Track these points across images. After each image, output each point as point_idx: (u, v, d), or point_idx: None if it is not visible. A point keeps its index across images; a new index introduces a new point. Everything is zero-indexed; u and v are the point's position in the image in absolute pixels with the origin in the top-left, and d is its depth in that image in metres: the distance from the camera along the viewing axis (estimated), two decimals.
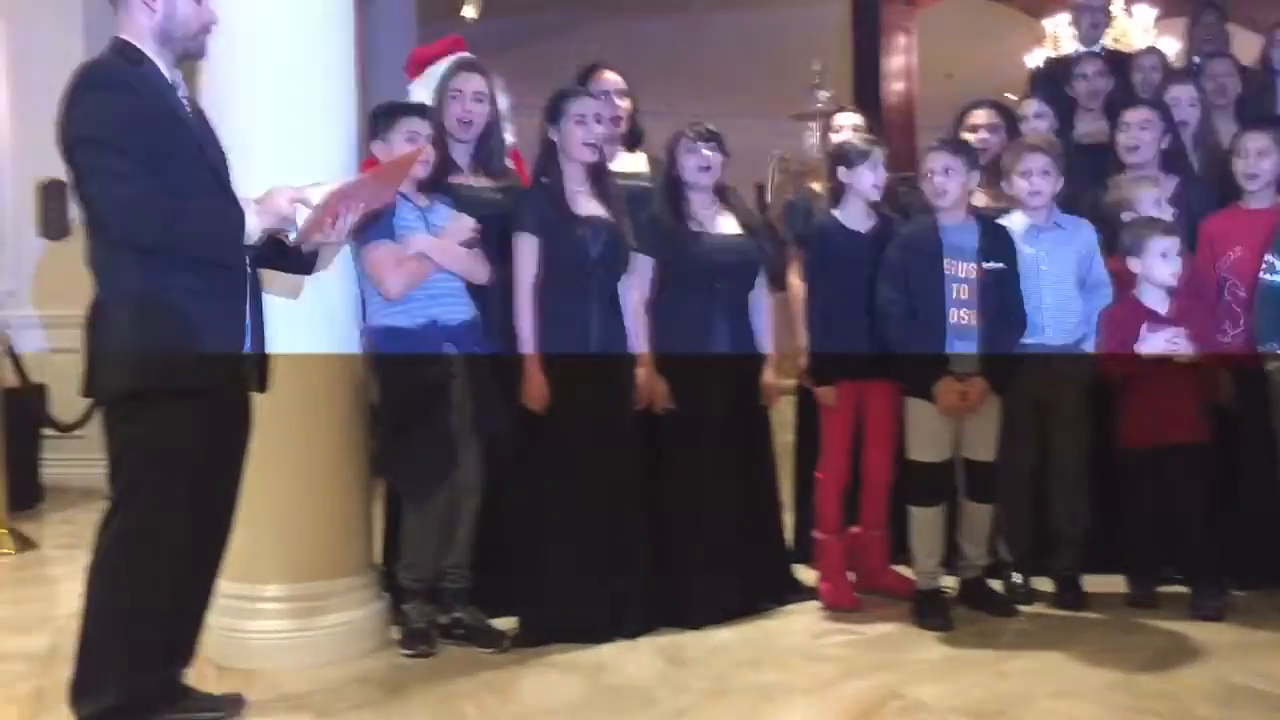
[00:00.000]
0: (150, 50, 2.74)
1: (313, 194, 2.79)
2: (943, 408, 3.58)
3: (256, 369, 2.90)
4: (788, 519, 4.13)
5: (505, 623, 3.59)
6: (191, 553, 2.82)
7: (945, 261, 3.58)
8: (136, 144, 2.60)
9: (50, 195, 6.68)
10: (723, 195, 3.86)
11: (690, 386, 3.68)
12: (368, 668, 3.38)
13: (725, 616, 3.66)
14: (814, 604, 3.85)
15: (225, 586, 3.27)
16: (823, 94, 8.49)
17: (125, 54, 2.72)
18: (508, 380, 3.54)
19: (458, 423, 3.41)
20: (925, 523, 3.68)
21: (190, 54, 2.84)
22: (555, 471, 3.55)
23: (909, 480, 3.73)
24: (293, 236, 2.82)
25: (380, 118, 3.54)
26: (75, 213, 6.51)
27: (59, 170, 6.96)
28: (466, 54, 3.91)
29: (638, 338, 3.70)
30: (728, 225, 3.82)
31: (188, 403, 2.70)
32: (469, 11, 9.34)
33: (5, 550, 5.12)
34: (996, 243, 3.65)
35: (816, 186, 4.46)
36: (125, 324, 2.66)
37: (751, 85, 11.02)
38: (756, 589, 3.79)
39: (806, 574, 4.01)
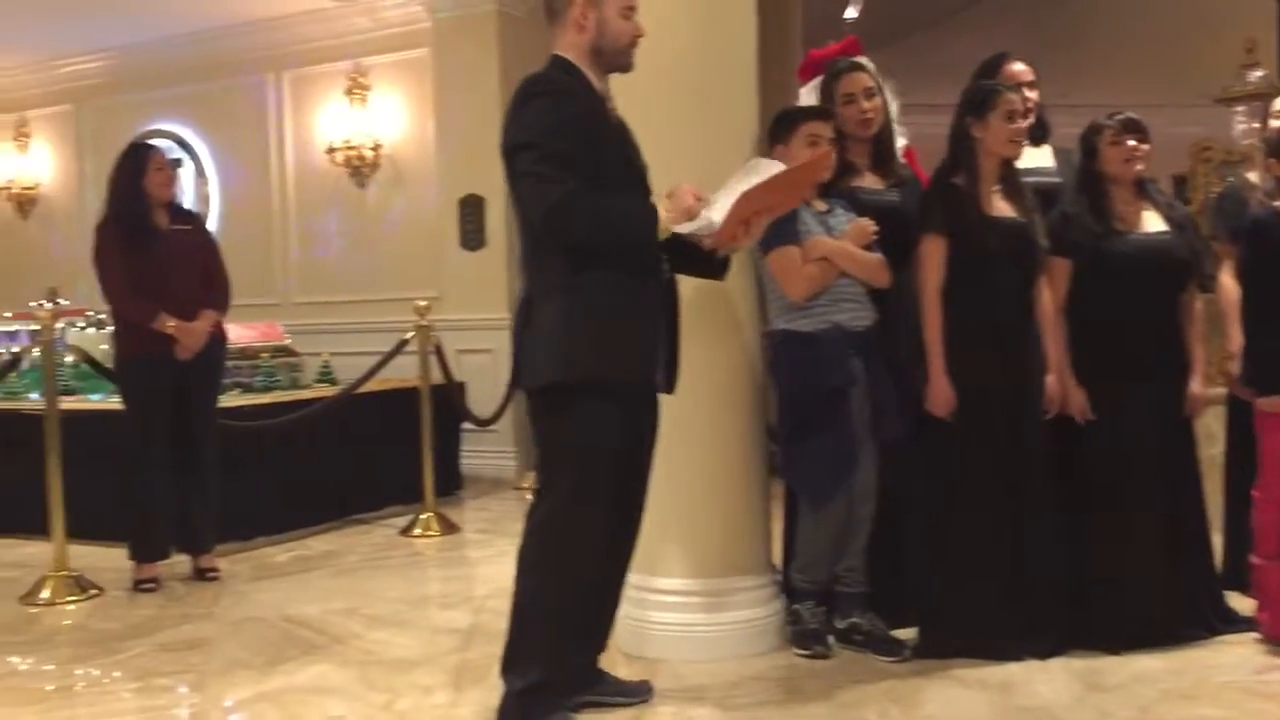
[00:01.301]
0: (583, 65, 2.90)
1: (719, 196, 2.85)
2: None
3: (667, 370, 2.99)
4: (1216, 541, 3.77)
5: (902, 632, 3.52)
6: (608, 541, 2.96)
7: None
8: (567, 149, 2.74)
9: (468, 209, 7.30)
10: (1143, 189, 3.58)
11: (1109, 395, 3.45)
12: (766, 666, 3.42)
13: (1148, 642, 3.40)
14: (1251, 635, 3.49)
15: (633, 578, 3.42)
16: (1255, 74, 7.70)
17: (562, 68, 2.90)
18: (907, 385, 3.46)
19: (857, 428, 3.38)
20: None
21: (618, 67, 2.96)
22: (960, 479, 3.43)
23: None
24: (707, 242, 2.89)
25: (781, 123, 3.57)
26: (491, 226, 7.15)
27: (477, 187, 7.64)
28: (854, 57, 3.87)
29: (1050, 342, 3.50)
30: (1152, 222, 3.54)
31: (608, 397, 2.82)
32: (851, 12, 9.28)
33: (432, 532, 5.64)
34: None
35: (1253, 176, 4.03)
36: (552, 319, 2.81)
37: (1161, 68, 10.18)
38: (1183, 615, 3.49)
39: (1240, 602, 3.64)
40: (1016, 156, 3.53)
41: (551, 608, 2.89)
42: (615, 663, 3.32)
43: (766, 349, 3.56)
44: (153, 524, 4.67)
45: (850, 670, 3.38)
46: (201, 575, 4.78)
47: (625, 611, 3.42)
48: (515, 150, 2.80)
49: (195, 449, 4.71)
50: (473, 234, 7.29)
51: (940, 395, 3.41)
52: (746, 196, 2.83)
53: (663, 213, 2.79)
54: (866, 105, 3.67)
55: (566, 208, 2.73)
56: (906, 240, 3.50)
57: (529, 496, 6.60)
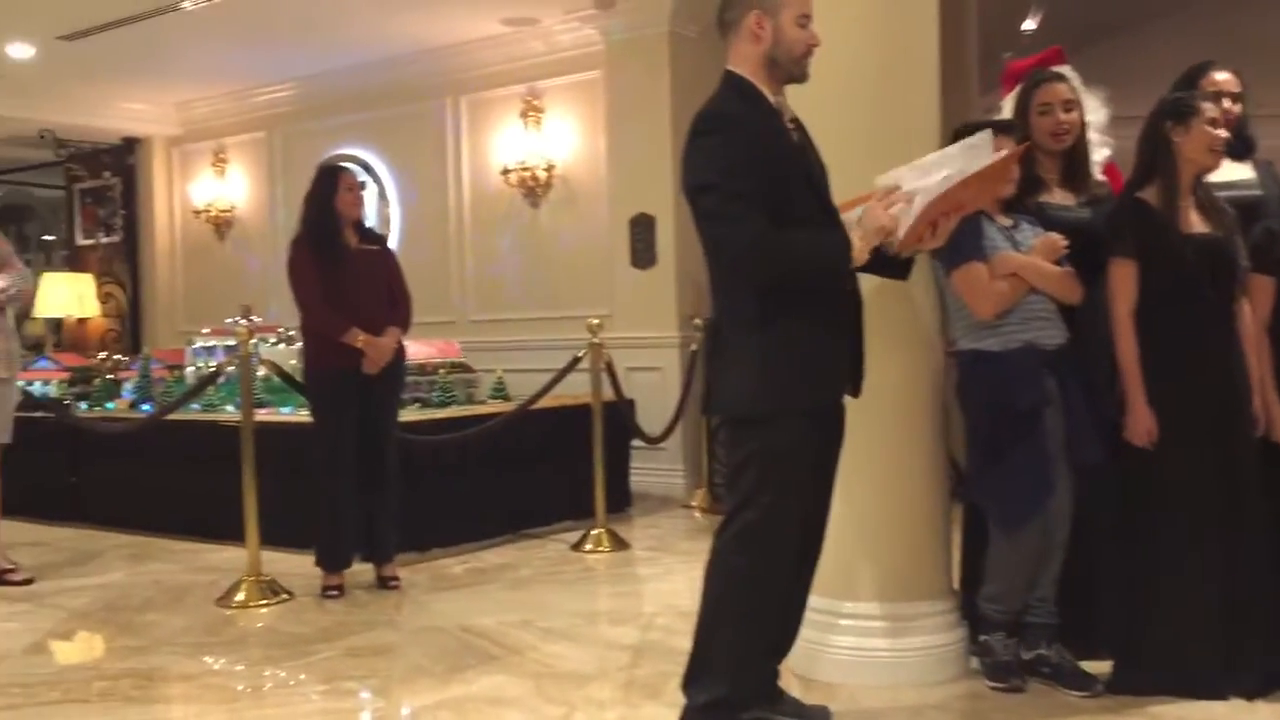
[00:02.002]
0: (758, 80, 2.88)
1: (908, 177, 2.80)
2: None
3: (853, 375, 2.96)
4: None
5: (1092, 665, 3.37)
6: (797, 560, 2.93)
7: None
8: (748, 185, 2.73)
9: (639, 228, 7.37)
10: None
11: None
12: (947, 695, 3.33)
13: None
14: None
15: (811, 600, 3.37)
16: None
17: (735, 88, 2.88)
18: (1102, 407, 3.32)
19: (1053, 451, 3.26)
20: None
21: (794, 78, 2.92)
22: (1162, 506, 3.27)
23: None
24: (892, 247, 2.84)
25: (961, 136, 3.47)
26: (661, 245, 7.20)
27: (647, 206, 7.71)
28: (1055, 68, 3.75)
29: (1254, 363, 3.31)
30: None
31: (802, 419, 2.81)
32: (1030, 23, 9.01)
33: (603, 548, 5.69)
34: None
35: None
36: (747, 351, 2.81)
37: None
38: None
39: None
40: (1215, 168, 3.35)
41: (740, 623, 2.87)
42: (790, 686, 3.28)
43: (953, 370, 3.47)
44: (338, 533, 4.85)
45: (1038, 704, 3.25)
46: (384, 584, 4.93)
47: (802, 634, 3.38)
48: (697, 192, 2.79)
49: (379, 461, 4.87)
50: (643, 252, 7.35)
51: (1140, 425, 3.26)
52: (944, 197, 2.77)
53: (856, 241, 2.76)
54: (1063, 117, 3.55)
55: (755, 250, 2.72)
56: (1098, 259, 3.36)
57: (697, 515, 6.68)
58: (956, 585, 3.61)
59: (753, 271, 2.77)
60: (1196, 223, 3.32)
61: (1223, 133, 3.34)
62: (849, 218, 2.90)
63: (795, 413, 2.80)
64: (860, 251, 2.77)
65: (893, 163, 3.30)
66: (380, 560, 4.98)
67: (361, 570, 5.02)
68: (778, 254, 2.74)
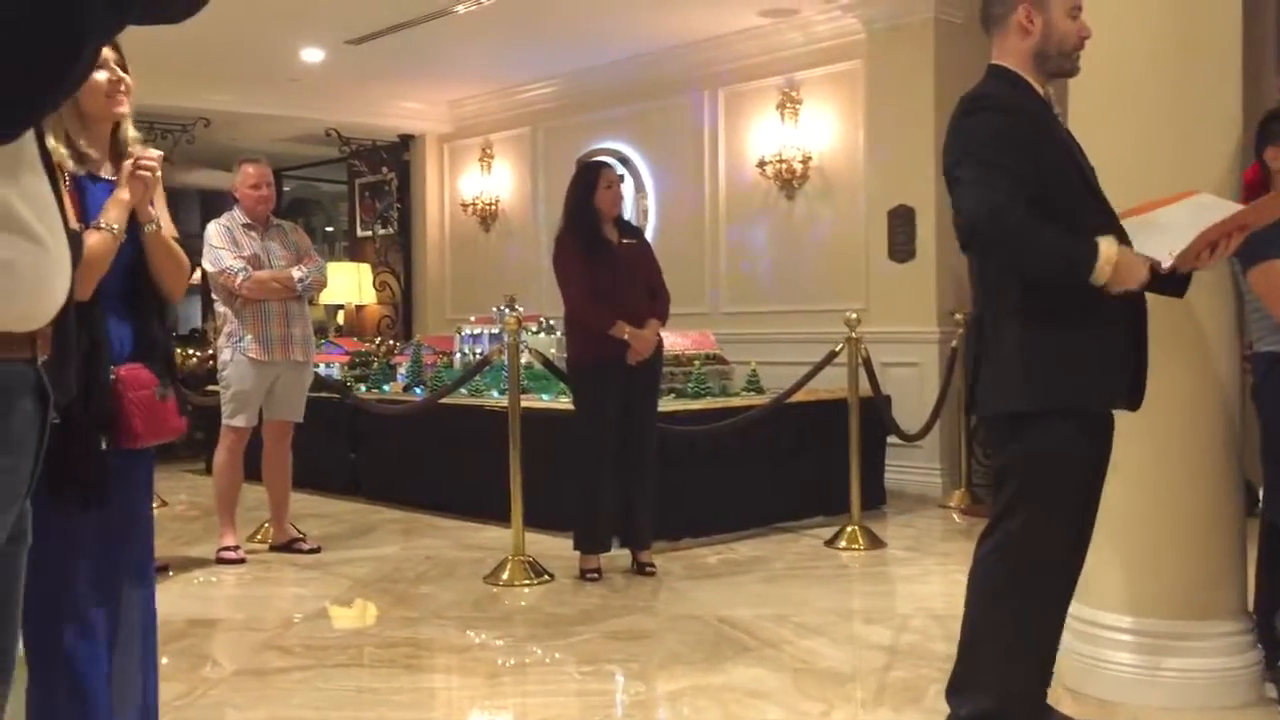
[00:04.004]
0: (1026, 72, 2.77)
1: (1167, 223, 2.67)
2: None
3: (1132, 386, 2.79)
4: None
5: None
6: (1066, 569, 2.80)
7: None
8: (1008, 160, 2.62)
9: (898, 220, 7.21)
10: None
11: None
12: None
13: None
14: None
15: (1087, 613, 3.22)
16: None
17: (1005, 79, 2.78)
18: None
19: None
20: None
21: (1064, 72, 2.81)
22: None
23: None
24: (1165, 263, 2.68)
25: (1274, 122, 3.23)
26: (920, 238, 7.02)
27: (907, 198, 7.54)
28: None
29: None
30: None
31: (1073, 420, 2.69)
32: None
33: (857, 546, 5.61)
34: None
35: None
36: (1011, 344, 2.70)
37: None
38: None
39: None
40: None
41: (1007, 635, 2.78)
42: (1059, 699, 3.14)
43: (1249, 373, 3.23)
44: (598, 518, 4.98)
45: None
46: (640, 569, 5.04)
47: (1073, 646, 3.24)
48: (957, 162, 2.70)
49: (638, 450, 4.97)
50: (902, 245, 7.20)
51: None
52: (1204, 236, 2.62)
53: (1113, 257, 2.58)
54: None
55: (995, 220, 2.60)
56: None
57: (955, 516, 6.49)
58: (1251, 607, 3.37)
59: (986, 242, 2.64)
60: None
61: None
62: (1140, 221, 2.75)
63: (1060, 413, 2.67)
64: (1117, 279, 2.59)
65: (1191, 153, 3.12)
66: (637, 546, 5.09)
67: (618, 555, 5.14)
68: (1019, 232, 2.59)
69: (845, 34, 7.52)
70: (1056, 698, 3.10)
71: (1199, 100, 3.20)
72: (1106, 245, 2.59)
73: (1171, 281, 2.79)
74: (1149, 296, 2.85)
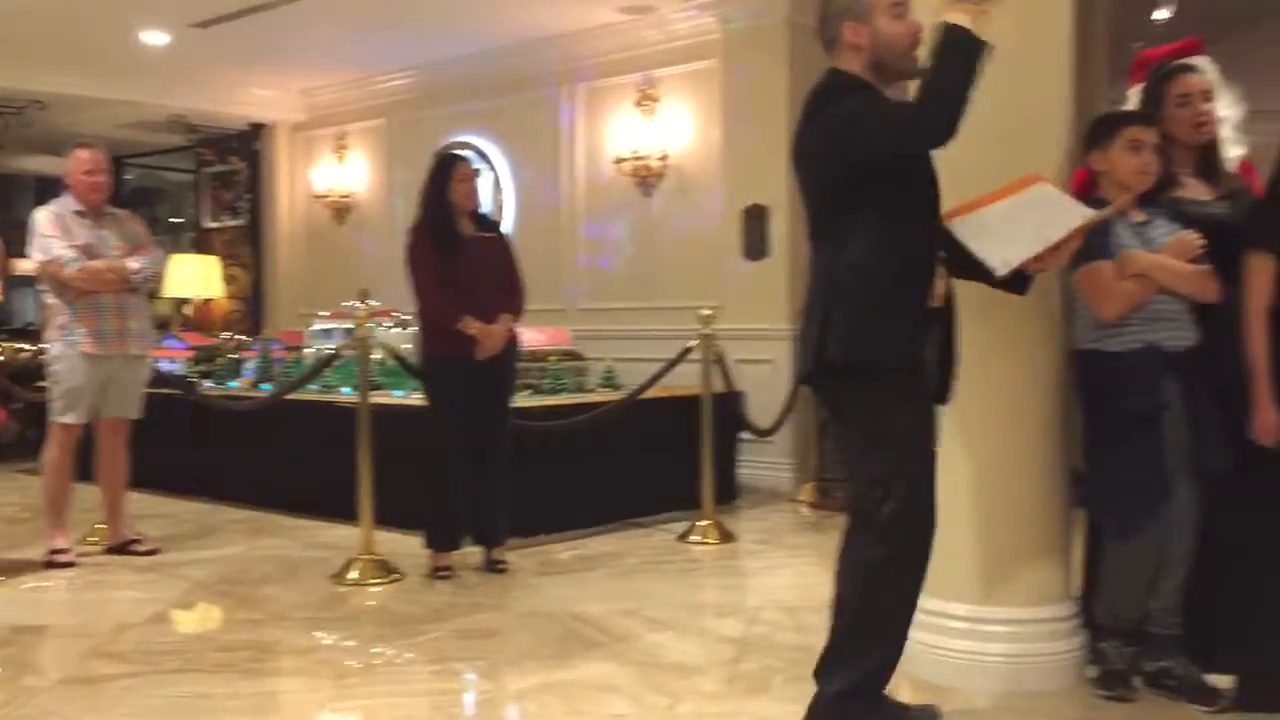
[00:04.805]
0: (869, 80, 2.82)
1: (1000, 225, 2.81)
2: None
3: (941, 380, 2.91)
4: None
5: (1215, 678, 3.25)
6: (930, 541, 2.88)
7: None
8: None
9: (752, 219, 7.31)
10: None
11: None
12: (1061, 703, 3.25)
13: None
14: None
15: (926, 603, 3.31)
16: None
17: (847, 76, 2.83)
18: (1234, 413, 3.18)
19: (1172, 456, 3.14)
20: None
21: (906, 74, 2.85)
22: None
23: None
24: (1000, 272, 2.78)
25: (1101, 126, 3.37)
26: (774, 236, 7.13)
27: (761, 197, 7.63)
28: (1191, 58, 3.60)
29: None
30: None
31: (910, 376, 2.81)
32: (1163, 12, 8.70)
33: (709, 540, 5.67)
34: None
35: None
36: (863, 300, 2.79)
37: None
38: None
39: None
40: None
41: (888, 611, 2.85)
42: (897, 685, 3.21)
43: (1072, 369, 3.37)
44: (449, 515, 4.92)
45: (1158, 717, 3.16)
46: (492, 566, 4.99)
47: (915, 635, 3.32)
48: (843, 124, 2.71)
49: (491, 446, 4.93)
50: (755, 244, 7.30)
51: (1266, 423, 3.12)
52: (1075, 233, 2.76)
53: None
54: (1204, 108, 3.41)
55: (915, 119, 2.68)
56: (1234, 256, 3.22)
57: (805, 510, 6.61)
58: (1078, 592, 3.51)
59: (941, 126, 2.64)
60: None
61: None
62: (979, 217, 2.84)
63: (899, 371, 2.78)
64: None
65: (1023, 157, 3.23)
66: (490, 544, 5.04)
67: (470, 553, 5.09)
68: (940, 99, 2.62)
69: (702, 33, 7.59)
70: (894, 683, 3.18)
71: (1031, 101, 3.31)
72: (952, 19, 2.64)
73: (1014, 281, 2.89)
74: (975, 295, 2.96)
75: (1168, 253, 3.22)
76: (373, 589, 4.76)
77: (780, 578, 5.00)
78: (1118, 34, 7.41)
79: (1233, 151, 3.64)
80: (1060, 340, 3.39)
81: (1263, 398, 3.13)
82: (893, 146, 2.72)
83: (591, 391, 6.49)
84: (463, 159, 5.22)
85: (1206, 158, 3.47)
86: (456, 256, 4.83)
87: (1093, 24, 7.33)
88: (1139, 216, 3.31)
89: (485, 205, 8.50)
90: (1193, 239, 3.22)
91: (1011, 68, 3.27)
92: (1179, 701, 3.20)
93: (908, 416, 2.83)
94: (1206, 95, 3.43)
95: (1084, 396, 3.34)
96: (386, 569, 4.89)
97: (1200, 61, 3.55)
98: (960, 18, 2.62)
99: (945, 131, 2.64)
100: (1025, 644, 3.31)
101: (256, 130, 10.51)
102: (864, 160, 2.72)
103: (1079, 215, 2.95)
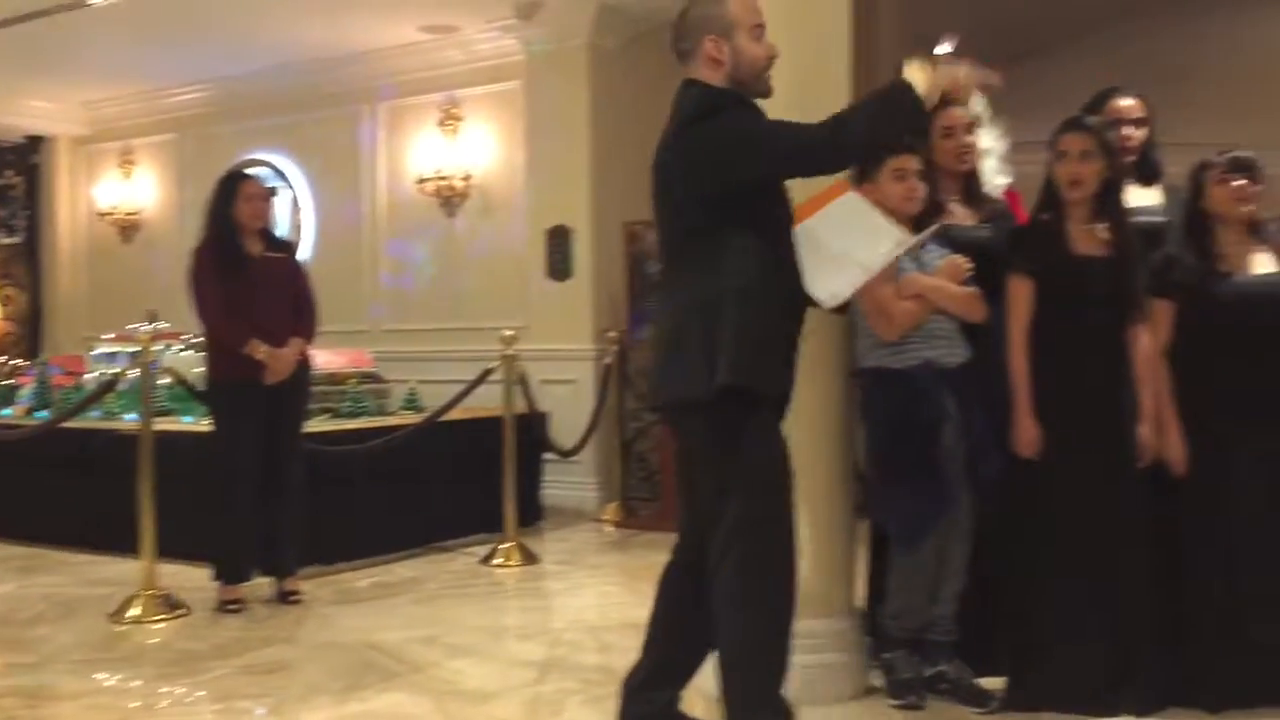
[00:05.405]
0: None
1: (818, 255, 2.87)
2: None
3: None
4: None
5: (989, 681, 3.40)
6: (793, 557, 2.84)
7: None
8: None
9: (556, 240, 7.34)
10: (1257, 231, 3.45)
11: (1209, 447, 3.31)
12: (849, 713, 3.34)
13: (1249, 702, 3.24)
14: None
15: None
16: None
17: (720, 91, 2.79)
18: (1002, 425, 3.37)
19: (951, 467, 3.29)
20: None
21: (758, 94, 2.84)
22: (1048, 523, 3.32)
23: None
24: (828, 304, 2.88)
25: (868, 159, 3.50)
26: (577, 257, 7.17)
27: (565, 218, 7.66)
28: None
29: (1146, 389, 3.37)
30: (1262, 264, 3.40)
31: (770, 407, 2.79)
32: (945, 46, 9.16)
33: (512, 562, 5.63)
34: None
35: None
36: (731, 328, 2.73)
37: (1270, 109, 9.86)
38: None
39: None
40: (1075, 198, 3.36)
41: (765, 640, 2.78)
42: (691, 701, 3.25)
43: (857, 388, 3.49)
44: (238, 546, 4.74)
45: None
46: (285, 598, 4.83)
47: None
48: (736, 137, 2.70)
49: (281, 473, 4.78)
50: (559, 264, 7.32)
51: (1025, 435, 3.31)
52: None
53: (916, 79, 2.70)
54: (967, 140, 3.60)
55: (824, 138, 2.69)
56: (997, 277, 3.41)
57: (609, 528, 6.64)
58: (862, 603, 3.63)
59: (855, 151, 2.74)
60: (1093, 246, 3.37)
61: (1079, 168, 3.34)
62: (806, 232, 2.91)
63: (760, 399, 2.74)
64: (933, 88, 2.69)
65: (801, 186, 3.33)
66: (281, 574, 4.87)
67: (262, 585, 4.91)
68: (838, 129, 2.68)
69: (505, 54, 7.58)
70: (689, 699, 3.21)
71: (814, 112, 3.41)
72: (911, 73, 2.69)
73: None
74: None
75: (940, 275, 3.39)
76: (156, 626, 4.53)
77: (583, 598, 5.00)
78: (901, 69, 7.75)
79: (999, 179, 3.86)
80: (844, 359, 3.51)
81: (1023, 412, 3.32)
82: (800, 161, 2.76)
83: (393, 414, 6.37)
84: (250, 176, 5.06)
85: (969, 185, 3.67)
86: (243, 277, 4.68)
87: (876, 60, 7.68)
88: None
89: (283, 225, 8.32)
90: (962, 262, 3.39)
91: (795, 109, 3.39)
92: (955, 704, 3.34)
93: (778, 447, 2.80)
94: (969, 127, 3.62)
95: (869, 412, 3.46)
96: (171, 604, 4.67)
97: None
98: (917, 78, 2.68)
99: (855, 157, 2.75)
100: (813, 655, 3.36)
101: (34, 143, 9.94)
102: (754, 175, 2.74)
103: (890, 238, 3.04)
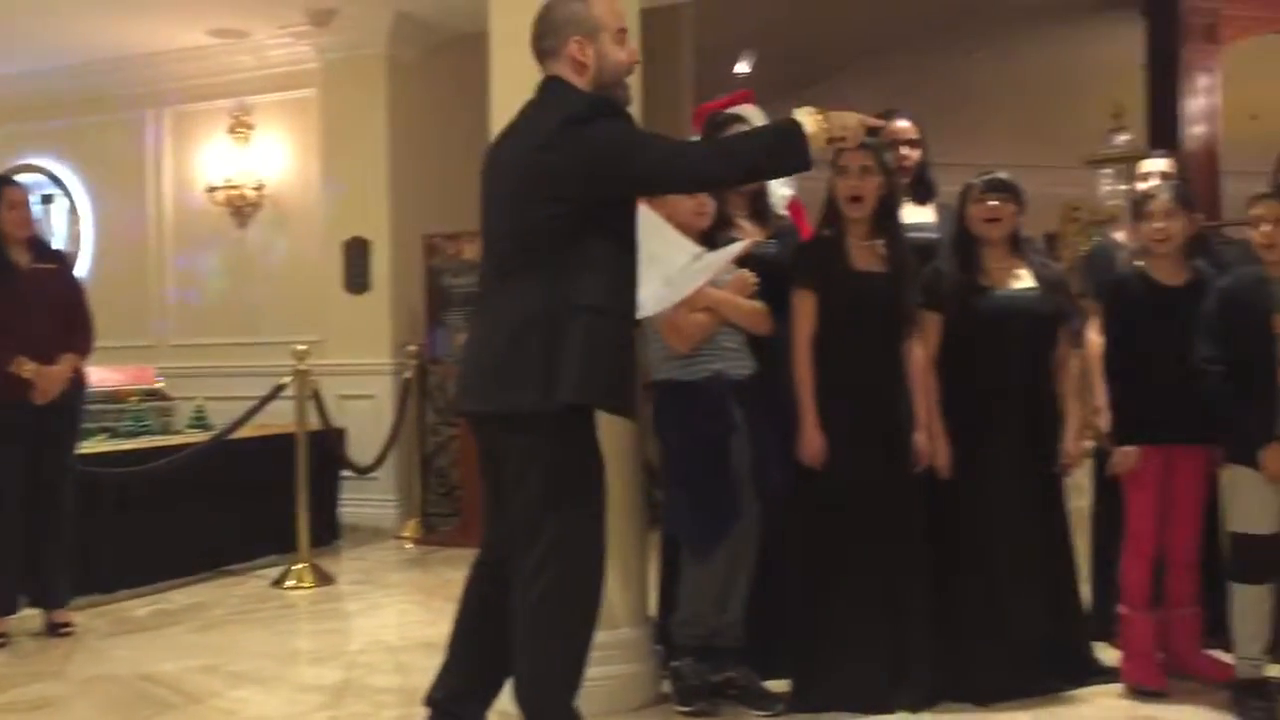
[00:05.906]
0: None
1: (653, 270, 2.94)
2: (1271, 474, 3.24)
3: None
4: (1084, 592, 3.84)
5: (777, 685, 3.50)
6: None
7: (1276, 318, 3.25)
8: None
9: (353, 252, 7.17)
10: (1018, 248, 3.66)
11: (973, 451, 3.49)
12: None
13: (1016, 694, 3.44)
14: (1116, 686, 3.55)
15: None
16: (1121, 138, 8.07)
17: (591, 96, 2.72)
18: (787, 435, 3.46)
19: (740, 477, 3.36)
20: (1250, 602, 3.33)
21: (618, 99, 2.78)
22: (828, 530, 3.43)
23: (1233, 554, 3.40)
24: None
25: None
26: (375, 270, 7.03)
27: (362, 230, 7.50)
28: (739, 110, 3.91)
29: (920, 397, 3.53)
30: (1022, 280, 3.61)
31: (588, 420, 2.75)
32: (742, 66, 9.43)
33: (305, 584, 5.45)
34: None
35: (1120, 236, 4.17)
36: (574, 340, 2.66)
37: (1037, 131, 10.56)
38: (1051, 666, 3.53)
39: (1108, 653, 3.70)
40: (855, 216, 3.48)
41: (569, 660, 2.73)
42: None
43: (648, 400, 3.53)
44: (2, 577, 4.42)
45: None
46: (55, 630, 4.54)
47: None
48: (613, 148, 2.63)
49: (50, 498, 4.49)
50: (356, 277, 7.16)
51: (811, 444, 3.41)
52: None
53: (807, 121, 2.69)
54: None
55: (709, 158, 2.77)
56: (783, 291, 3.51)
57: (408, 545, 6.52)
58: (652, 612, 3.67)
59: (733, 175, 2.82)
60: (871, 261, 3.51)
61: (858, 183, 3.46)
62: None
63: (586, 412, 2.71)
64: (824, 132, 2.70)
65: None
66: (50, 605, 4.58)
67: (30, 616, 4.60)
68: (723, 152, 2.77)
69: (299, 61, 7.37)
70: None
71: None
72: (801, 115, 2.67)
73: None
74: None
75: (729, 289, 3.46)
76: None
77: (380, 617, 4.89)
78: (704, 88, 7.93)
79: (784, 190, 3.98)
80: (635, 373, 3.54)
81: (808, 423, 3.42)
82: (684, 180, 2.82)
83: (179, 433, 6.09)
84: (11, 183, 4.72)
85: (756, 201, 3.77)
86: (9, 290, 4.39)
87: (677, 76, 7.85)
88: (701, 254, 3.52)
89: (59, 235, 7.88)
90: (749, 277, 3.48)
91: None
92: (741, 709, 3.41)
93: (600, 465, 2.76)
94: None
95: (660, 424, 3.51)
96: None
97: (750, 112, 3.85)
98: (808, 123, 2.66)
99: (728, 181, 2.89)
100: (608, 666, 3.38)
101: None
102: (637, 189, 2.74)
103: (685, 252, 3.07)
